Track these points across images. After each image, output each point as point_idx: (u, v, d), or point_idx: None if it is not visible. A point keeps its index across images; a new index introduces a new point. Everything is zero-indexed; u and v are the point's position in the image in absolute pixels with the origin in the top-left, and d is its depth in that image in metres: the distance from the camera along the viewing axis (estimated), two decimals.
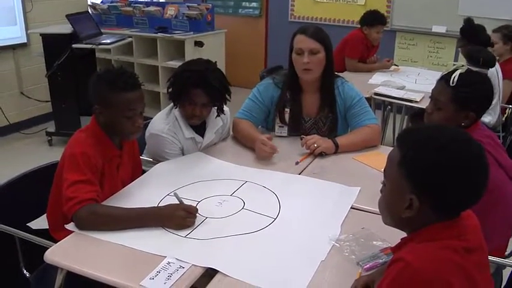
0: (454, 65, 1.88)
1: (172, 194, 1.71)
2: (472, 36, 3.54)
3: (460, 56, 4.05)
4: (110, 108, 1.78)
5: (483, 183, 1.10)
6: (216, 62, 2.21)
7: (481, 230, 1.20)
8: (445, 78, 1.86)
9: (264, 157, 2.18)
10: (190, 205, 1.67)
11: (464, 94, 1.81)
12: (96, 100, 1.82)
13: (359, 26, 4.49)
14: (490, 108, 1.96)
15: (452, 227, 1.12)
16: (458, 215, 1.14)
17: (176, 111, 2.20)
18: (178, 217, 1.61)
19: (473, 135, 1.75)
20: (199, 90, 2.07)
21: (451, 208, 1.12)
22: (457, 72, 1.82)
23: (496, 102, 3.34)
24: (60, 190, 1.71)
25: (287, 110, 2.40)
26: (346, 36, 4.53)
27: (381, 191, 1.23)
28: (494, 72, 3.20)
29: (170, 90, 2.16)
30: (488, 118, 3.31)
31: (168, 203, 1.69)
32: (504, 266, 1.79)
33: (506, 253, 1.97)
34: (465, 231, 1.12)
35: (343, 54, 4.43)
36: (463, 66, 1.86)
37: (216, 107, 2.21)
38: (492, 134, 1.93)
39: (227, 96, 2.19)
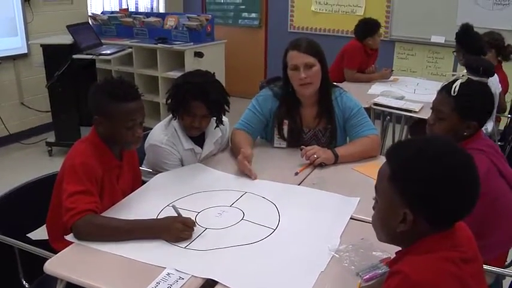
0: (453, 75, 1.88)
1: (171, 205, 1.71)
2: (465, 42, 3.53)
3: (459, 66, 4.05)
4: (109, 118, 1.79)
5: (475, 192, 1.11)
6: (214, 73, 2.22)
7: (475, 240, 1.20)
8: (446, 89, 1.85)
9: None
10: (188, 218, 1.66)
11: (467, 104, 1.80)
12: (95, 111, 1.82)
13: (357, 37, 4.46)
14: None
15: (448, 238, 1.12)
16: (453, 226, 1.14)
17: (175, 123, 2.21)
18: (175, 230, 1.60)
19: (476, 144, 1.77)
20: (199, 102, 2.08)
21: (445, 219, 1.12)
22: (458, 82, 1.82)
23: (493, 112, 3.34)
24: (60, 201, 1.71)
25: (286, 121, 2.40)
26: (344, 47, 4.52)
27: (373, 207, 1.23)
28: (489, 83, 3.21)
29: (169, 102, 2.17)
30: (484, 126, 3.31)
31: (168, 215, 1.69)
32: (504, 276, 1.78)
33: (506, 263, 1.96)
34: (460, 242, 1.13)
35: (342, 65, 4.42)
36: (463, 76, 1.86)
37: (215, 118, 2.22)
38: (494, 144, 1.94)
39: (226, 107, 2.20)
